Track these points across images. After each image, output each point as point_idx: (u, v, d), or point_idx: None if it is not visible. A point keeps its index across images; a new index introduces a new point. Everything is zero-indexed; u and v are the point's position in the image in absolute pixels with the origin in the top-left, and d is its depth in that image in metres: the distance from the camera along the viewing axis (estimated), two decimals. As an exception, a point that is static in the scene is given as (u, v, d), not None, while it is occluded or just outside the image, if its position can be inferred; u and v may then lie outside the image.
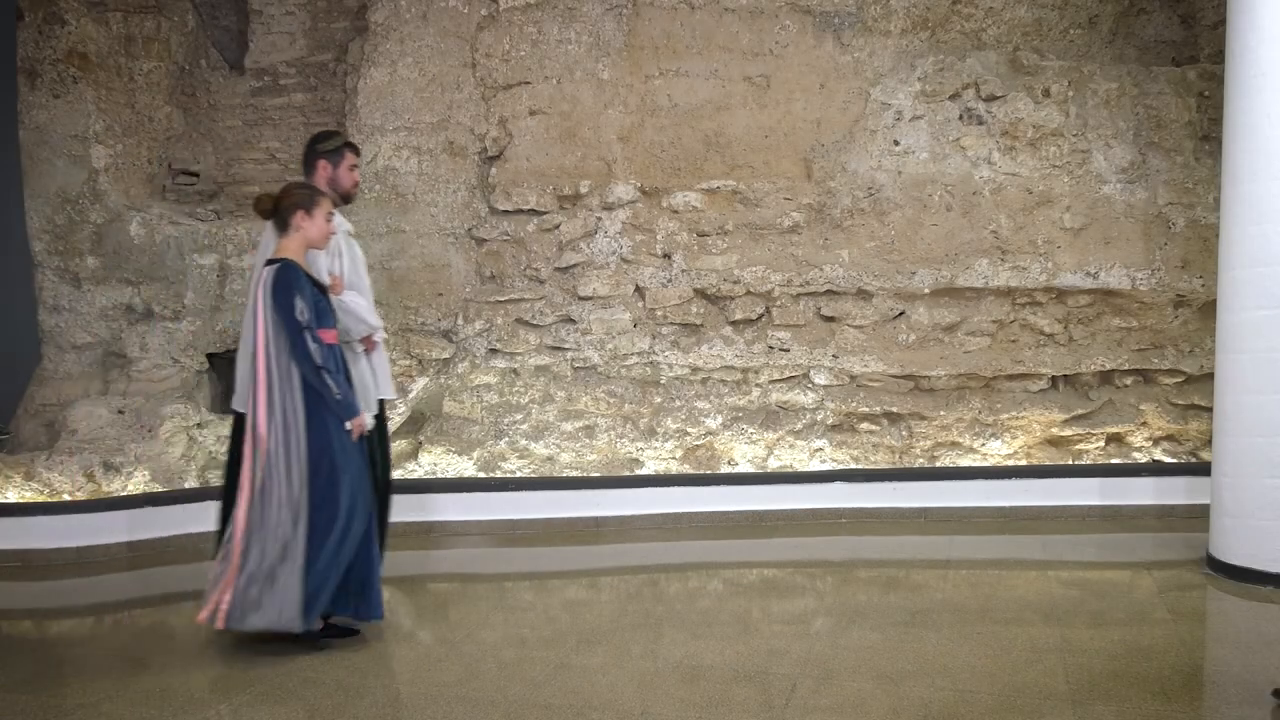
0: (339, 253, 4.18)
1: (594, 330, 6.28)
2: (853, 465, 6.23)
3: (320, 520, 3.69)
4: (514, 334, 6.33)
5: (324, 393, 3.71)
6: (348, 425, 3.78)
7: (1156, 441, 6.19)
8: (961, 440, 6.22)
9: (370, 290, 4.35)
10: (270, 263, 3.76)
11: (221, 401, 6.61)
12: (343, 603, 3.84)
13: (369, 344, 4.22)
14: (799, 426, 6.26)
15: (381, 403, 4.33)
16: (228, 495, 4.00)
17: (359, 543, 3.80)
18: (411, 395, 6.29)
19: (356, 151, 4.38)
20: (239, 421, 4.03)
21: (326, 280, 3.98)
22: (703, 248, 6.25)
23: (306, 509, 3.67)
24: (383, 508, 4.30)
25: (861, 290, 6.19)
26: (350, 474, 3.76)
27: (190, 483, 5.99)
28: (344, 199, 4.33)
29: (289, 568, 3.65)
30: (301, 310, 3.67)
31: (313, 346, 3.68)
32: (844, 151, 6.19)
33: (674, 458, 6.28)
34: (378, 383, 4.27)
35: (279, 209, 3.81)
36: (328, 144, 4.29)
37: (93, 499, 5.66)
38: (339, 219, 4.19)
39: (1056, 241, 6.05)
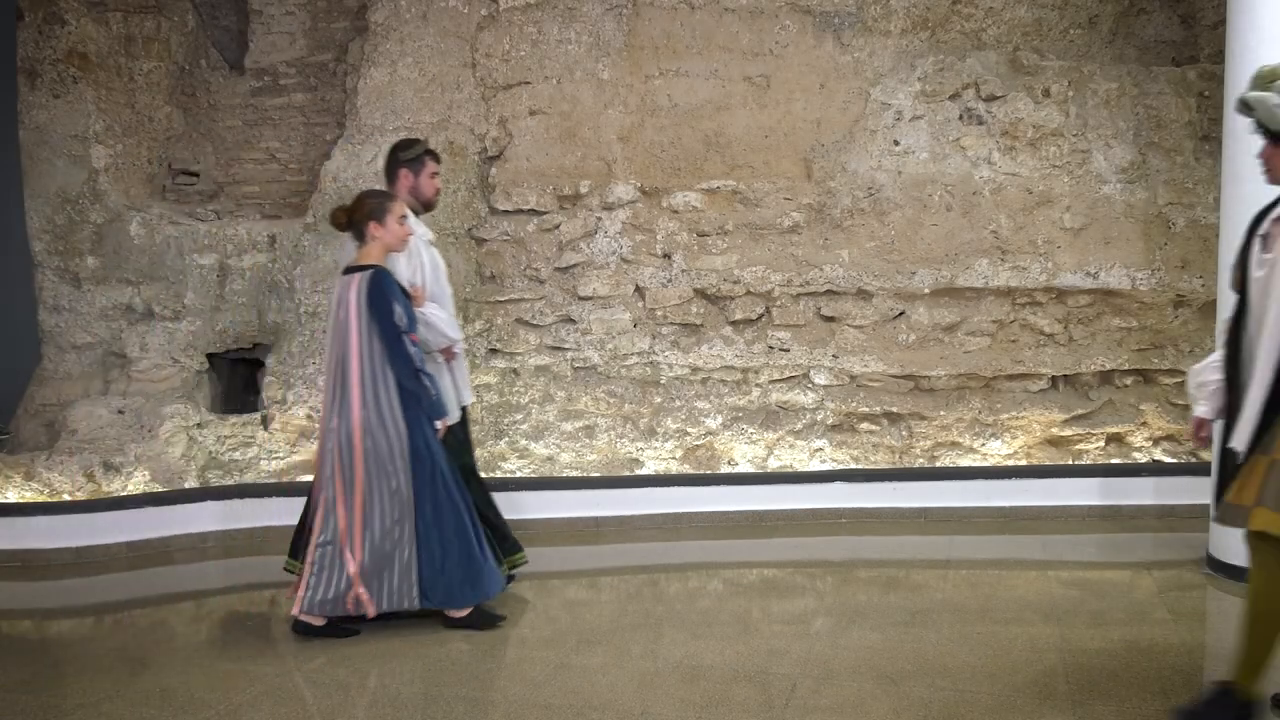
0: (420, 263, 4.22)
1: (594, 330, 6.29)
2: (853, 465, 6.23)
3: (425, 514, 3.89)
4: (514, 334, 6.33)
5: (420, 394, 3.85)
6: (436, 425, 3.93)
7: (1156, 441, 6.19)
8: (961, 440, 6.22)
9: (451, 299, 4.43)
10: (354, 270, 3.88)
11: (221, 401, 6.62)
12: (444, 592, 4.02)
13: (448, 354, 4.30)
14: (799, 426, 6.26)
15: (464, 407, 4.46)
16: (312, 497, 4.18)
17: (456, 532, 3.96)
18: (411, 395, 6.29)
19: (437, 159, 4.45)
20: None
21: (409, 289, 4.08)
22: (703, 248, 6.25)
23: (412, 504, 3.85)
24: (488, 502, 4.49)
25: (861, 290, 6.19)
26: (445, 468, 3.95)
27: (190, 483, 5.99)
28: (426, 206, 4.40)
29: (400, 561, 3.86)
30: (400, 315, 3.81)
31: (412, 350, 3.83)
32: (844, 151, 6.19)
33: (674, 458, 6.29)
34: (459, 389, 4.40)
35: (353, 221, 3.92)
36: (409, 153, 4.34)
37: (93, 499, 5.66)
38: (421, 227, 4.27)
39: (1056, 241, 6.05)
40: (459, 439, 4.32)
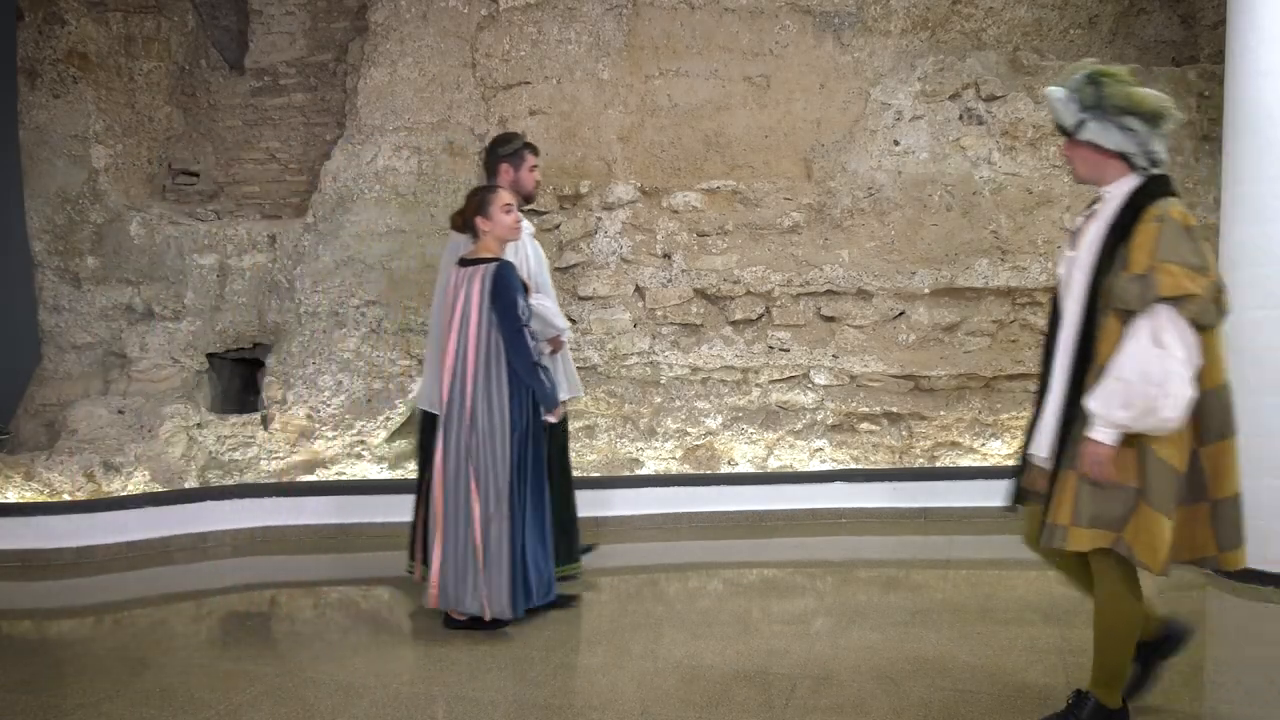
0: (526, 255, 4.28)
1: (594, 330, 6.29)
2: (853, 465, 6.22)
3: (525, 508, 3.90)
4: (514, 334, 6.32)
5: (536, 387, 3.90)
6: (547, 416, 3.97)
7: (1156, 441, 6.19)
8: (961, 440, 6.22)
9: (553, 291, 4.49)
10: (473, 262, 3.93)
11: (221, 401, 6.62)
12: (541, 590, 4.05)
13: (555, 345, 4.36)
14: (799, 426, 6.26)
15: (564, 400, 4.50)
16: (422, 490, 4.30)
17: (545, 529, 4.02)
18: (411, 395, 6.29)
19: (535, 151, 4.51)
20: (428, 419, 4.32)
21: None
22: (703, 248, 6.25)
23: (509, 498, 3.85)
24: (568, 501, 4.55)
25: (861, 290, 6.19)
26: (542, 465, 3.99)
27: (190, 483, 5.99)
28: (526, 199, 4.47)
29: (498, 555, 3.85)
30: (522, 309, 3.87)
31: (532, 343, 3.89)
32: (844, 151, 6.19)
33: (674, 458, 6.28)
34: (569, 380, 4.48)
35: (465, 220, 4.00)
36: (507, 147, 4.42)
37: (93, 499, 5.66)
38: (524, 221, 4.31)
39: (1056, 241, 6.05)
40: (556, 433, 4.41)
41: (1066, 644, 3.68)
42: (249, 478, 6.14)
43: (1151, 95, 2.72)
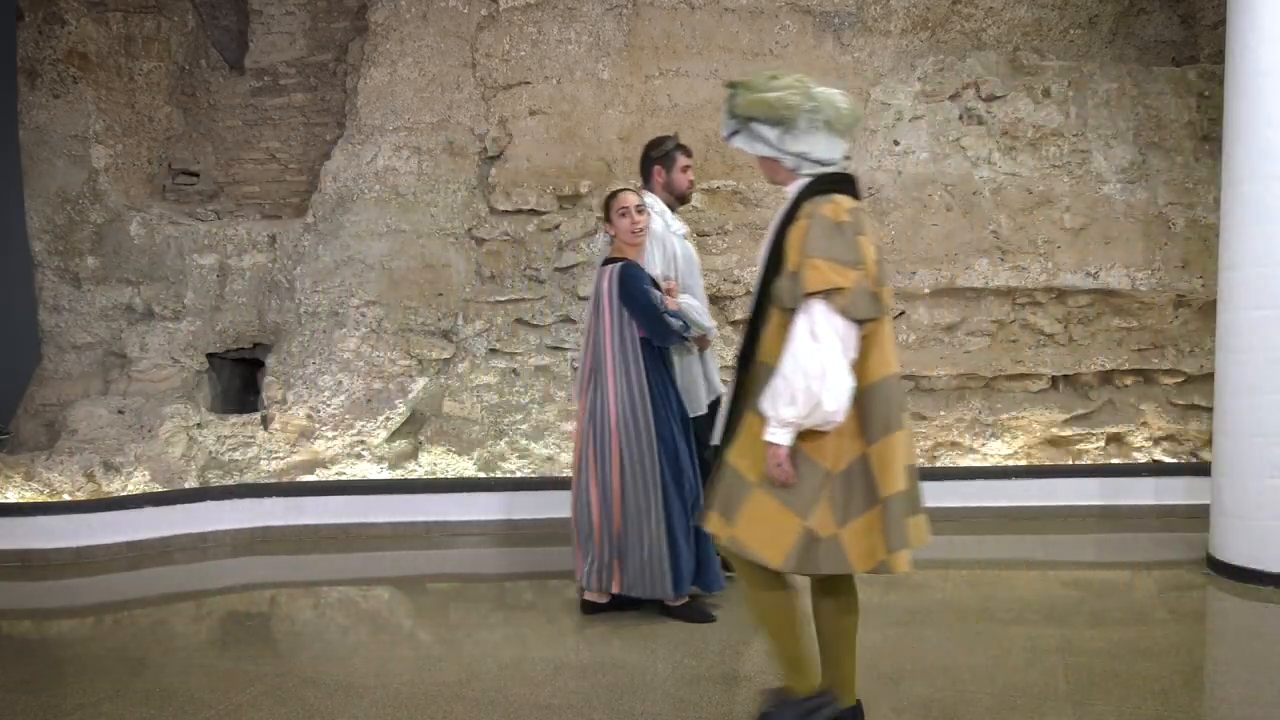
0: (674, 255, 4.34)
1: (594, 330, 6.28)
2: (853, 465, 6.21)
3: (673, 494, 4.01)
4: (514, 334, 6.33)
5: (678, 339, 4.09)
6: (701, 339, 4.27)
7: (1156, 441, 6.19)
8: (961, 440, 6.22)
9: (703, 292, 4.54)
10: (608, 262, 4.12)
11: (221, 401, 6.62)
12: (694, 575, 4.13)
13: (703, 343, 4.43)
14: (799, 426, 6.25)
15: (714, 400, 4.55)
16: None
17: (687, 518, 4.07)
18: (411, 395, 6.29)
19: (688, 152, 4.53)
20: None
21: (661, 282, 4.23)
22: (703, 248, 6.25)
23: (659, 484, 3.98)
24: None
25: (861, 290, 6.18)
26: (687, 450, 4.09)
27: (190, 483, 5.99)
28: (680, 200, 4.51)
29: (652, 539, 3.96)
30: (651, 293, 4.02)
31: (669, 318, 4.02)
32: (844, 151, 6.19)
33: (674, 458, 6.28)
34: (710, 380, 4.51)
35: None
36: (659, 150, 4.47)
37: (93, 499, 5.66)
38: (675, 222, 4.42)
39: (1056, 241, 6.05)
40: (704, 430, 4.44)
41: (1066, 644, 3.68)
42: (249, 478, 6.14)
43: (777, 97, 2.69)
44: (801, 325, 2.54)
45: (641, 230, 4.06)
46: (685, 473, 4.06)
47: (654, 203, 4.41)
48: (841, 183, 2.72)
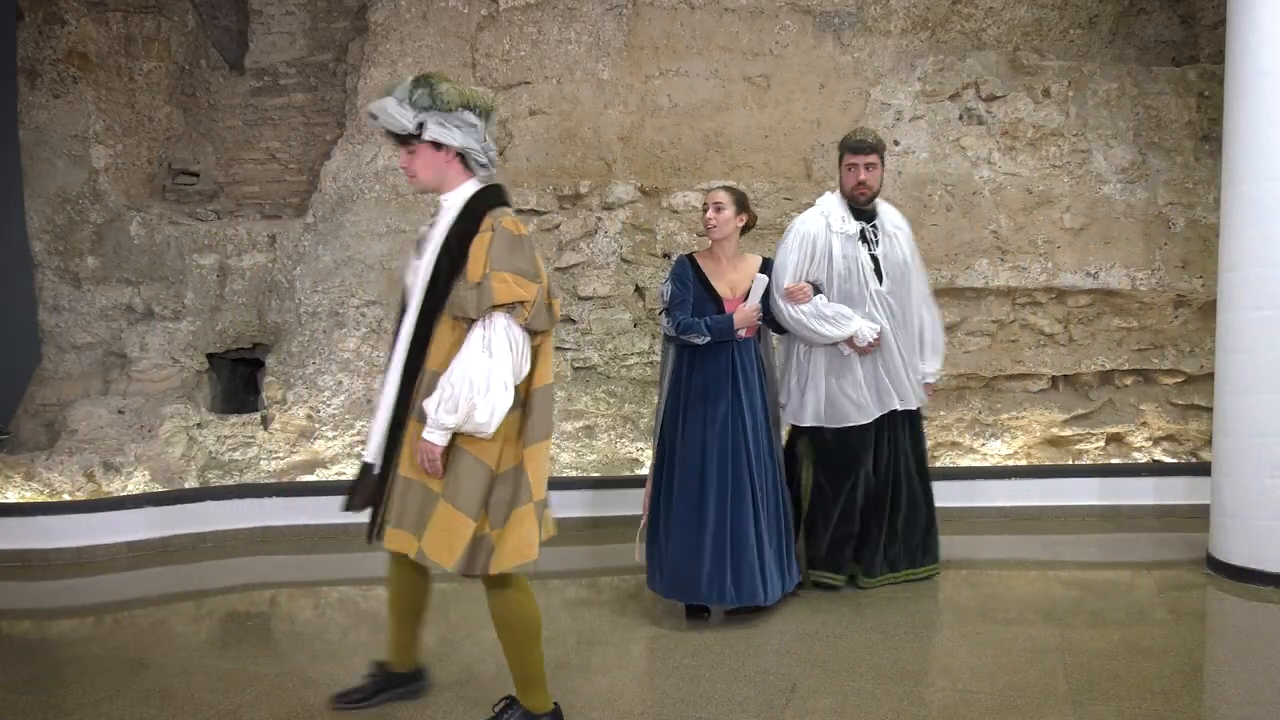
0: (825, 256, 4.27)
1: (594, 330, 6.28)
2: (853, 465, 6.21)
3: (770, 506, 4.05)
4: (514, 334, 6.32)
5: (701, 338, 3.98)
6: (739, 332, 4.02)
7: (1156, 441, 6.19)
8: (961, 440, 6.22)
9: (867, 293, 4.31)
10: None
11: (221, 401, 6.62)
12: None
13: (856, 349, 4.30)
14: (799, 426, 6.25)
15: (912, 415, 4.63)
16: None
17: (776, 519, 4.10)
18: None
19: (854, 150, 4.34)
20: None
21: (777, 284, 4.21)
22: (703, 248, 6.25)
23: (750, 495, 3.97)
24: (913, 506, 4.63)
25: (861, 290, 6.18)
26: (779, 463, 4.16)
27: (190, 483, 5.99)
28: (851, 200, 4.39)
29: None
30: (661, 295, 4.12)
31: (664, 321, 4.06)
32: (844, 151, 6.19)
33: (674, 458, 6.27)
34: (887, 389, 4.45)
35: None
36: (840, 149, 4.42)
37: (93, 499, 5.66)
38: (841, 223, 4.31)
39: (1056, 241, 6.05)
40: (917, 440, 4.64)
41: (1066, 644, 3.68)
42: (249, 478, 6.14)
43: (480, 91, 2.80)
44: (477, 337, 2.63)
45: (712, 226, 4.08)
46: (776, 479, 4.12)
47: (823, 202, 4.40)
48: (501, 194, 2.82)
